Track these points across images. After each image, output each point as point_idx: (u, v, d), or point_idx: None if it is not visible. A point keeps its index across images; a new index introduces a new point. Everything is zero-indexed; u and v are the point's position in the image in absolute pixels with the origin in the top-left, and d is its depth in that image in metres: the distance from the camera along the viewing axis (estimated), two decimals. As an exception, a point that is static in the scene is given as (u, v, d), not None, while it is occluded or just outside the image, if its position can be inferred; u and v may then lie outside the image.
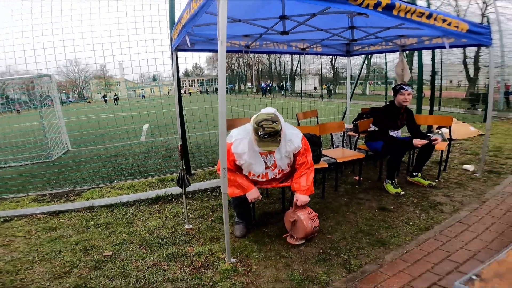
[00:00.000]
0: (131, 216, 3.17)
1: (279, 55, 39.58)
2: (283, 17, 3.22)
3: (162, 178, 4.30)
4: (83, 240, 2.68)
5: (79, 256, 2.43)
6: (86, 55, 5.07)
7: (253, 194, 2.47)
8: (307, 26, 3.57)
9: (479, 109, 9.86)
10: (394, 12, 2.29)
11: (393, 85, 4.19)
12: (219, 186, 3.87)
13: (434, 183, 3.67)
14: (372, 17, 3.44)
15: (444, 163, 4.21)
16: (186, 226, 2.88)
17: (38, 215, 3.24)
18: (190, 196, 3.67)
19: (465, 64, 15.51)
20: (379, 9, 2.19)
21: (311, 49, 5.16)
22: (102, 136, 7.14)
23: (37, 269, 2.27)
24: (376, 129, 3.87)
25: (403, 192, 3.50)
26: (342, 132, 4.44)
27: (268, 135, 2.16)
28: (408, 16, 2.45)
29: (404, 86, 3.45)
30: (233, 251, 2.40)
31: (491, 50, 3.82)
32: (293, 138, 2.44)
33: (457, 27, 2.95)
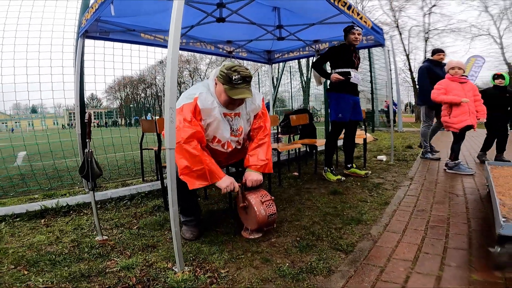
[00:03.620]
0: (-6, 238, 1.84)
1: (186, 84, 38.28)
2: (220, 5, 2.93)
3: (51, 193, 2.92)
4: None
5: None
6: None
7: (225, 181, 1.70)
8: (241, 17, 3.25)
9: (362, 127, 11.44)
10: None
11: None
12: (140, 193, 2.84)
13: (370, 172, 3.59)
14: (297, 14, 3.46)
15: (363, 155, 4.33)
16: (98, 238, 1.81)
17: None
18: (99, 206, 2.52)
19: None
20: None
21: (236, 53, 4.85)
22: None
23: None
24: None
25: (344, 178, 3.29)
26: (275, 132, 4.15)
27: (243, 80, 1.69)
28: (336, 3, 2.68)
29: (355, 26, 3.17)
30: (183, 257, 1.53)
31: (385, 50, 4.40)
32: (255, 95, 1.88)
33: (365, 22, 3.34)
